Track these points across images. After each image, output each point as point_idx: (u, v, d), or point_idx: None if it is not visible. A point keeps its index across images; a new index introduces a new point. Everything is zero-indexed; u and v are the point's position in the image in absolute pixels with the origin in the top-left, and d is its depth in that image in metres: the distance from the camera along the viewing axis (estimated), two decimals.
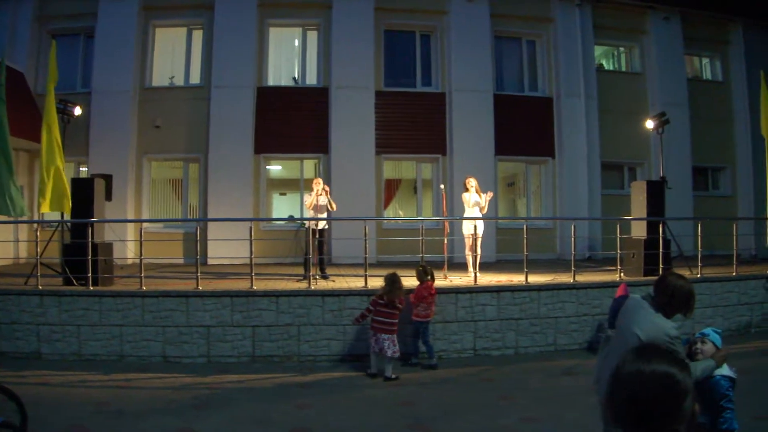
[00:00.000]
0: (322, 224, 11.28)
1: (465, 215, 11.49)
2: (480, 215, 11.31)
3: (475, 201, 11.28)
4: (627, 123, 16.82)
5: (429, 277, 8.93)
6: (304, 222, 11.65)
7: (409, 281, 9.12)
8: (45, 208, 9.76)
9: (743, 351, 9.45)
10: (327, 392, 7.78)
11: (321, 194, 11.21)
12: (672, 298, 3.60)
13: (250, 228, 9.90)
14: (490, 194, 11.39)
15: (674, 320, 3.64)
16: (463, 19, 16.47)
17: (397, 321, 8.39)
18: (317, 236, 10.96)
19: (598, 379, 3.95)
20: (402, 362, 8.89)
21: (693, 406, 1.62)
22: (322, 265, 11.27)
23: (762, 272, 11.55)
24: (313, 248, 10.62)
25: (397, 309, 8.38)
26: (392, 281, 8.42)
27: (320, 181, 11.45)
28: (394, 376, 8.24)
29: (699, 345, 3.95)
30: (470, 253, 11.09)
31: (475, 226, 10.88)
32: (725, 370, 3.91)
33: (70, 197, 9.75)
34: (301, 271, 11.10)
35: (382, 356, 8.30)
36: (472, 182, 11.38)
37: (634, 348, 1.74)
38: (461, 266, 11.70)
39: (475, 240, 10.92)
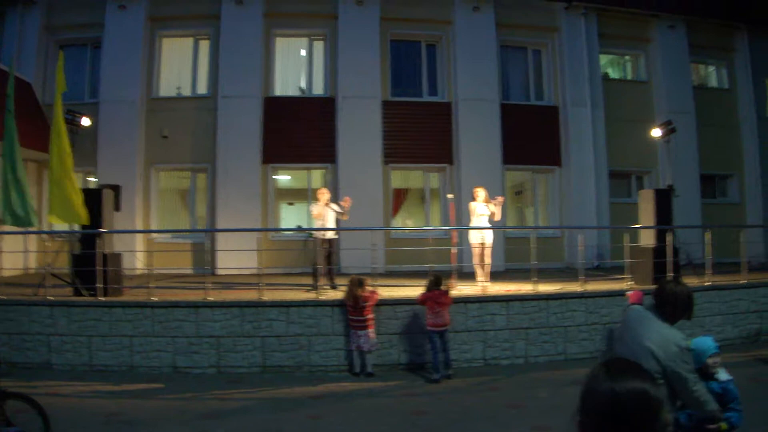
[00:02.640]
0: (330, 234, 11.27)
1: (471, 225, 11.48)
2: (488, 224, 11.29)
3: (481, 211, 11.26)
4: (634, 131, 16.84)
5: (437, 286, 8.94)
6: (312, 232, 11.66)
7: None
8: (54, 220, 9.77)
9: (754, 358, 9.42)
10: (338, 402, 7.75)
11: (329, 204, 11.23)
12: (675, 306, 3.59)
13: (259, 238, 9.89)
14: (500, 199, 11.26)
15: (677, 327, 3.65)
16: (468, 29, 16.53)
17: (369, 317, 8.92)
18: (326, 246, 10.94)
19: None
20: (425, 379, 8.87)
21: (667, 417, 1.64)
22: (330, 275, 11.27)
23: None
24: (322, 258, 10.62)
25: (363, 306, 8.86)
26: (350, 283, 9.09)
27: (326, 191, 11.46)
28: (372, 372, 8.92)
29: (716, 359, 4.04)
30: (478, 262, 11.08)
31: (483, 236, 10.87)
32: (728, 375, 3.98)
33: (83, 208, 9.70)
34: (309, 281, 11.11)
35: (360, 352, 8.92)
36: (480, 192, 11.36)
37: (604, 363, 1.74)
38: (470, 276, 11.68)
39: (483, 249, 10.91)
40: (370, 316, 8.96)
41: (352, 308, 8.94)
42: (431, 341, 8.81)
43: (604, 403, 1.60)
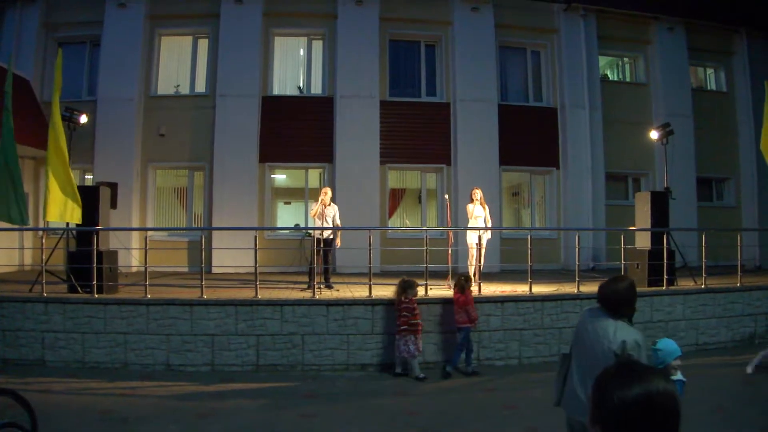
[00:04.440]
0: (327, 233, 11.27)
1: (468, 226, 11.50)
2: (484, 225, 11.32)
3: (478, 213, 11.30)
4: (631, 133, 16.86)
5: (457, 287, 9.10)
6: (309, 231, 11.64)
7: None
8: (50, 217, 9.76)
9: (748, 362, 9.42)
10: (331, 402, 7.76)
11: (329, 205, 11.24)
12: (616, 302, 3.73)
13: (255, 237, 9.89)
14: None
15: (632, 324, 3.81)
16: (467, 30, 16.53)
17: (405, 326, 8.72)
18: (322, 245, 10.94)
19: (564, 396, 3.96)
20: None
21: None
22: (326, 275, 11.25)
23: (766, 283, 11.52)
24: (319, 257, 10.60)
25: (399, 311, 8.80)
26: (398, 284, 8.98)
27: (328, 190, 11.47)
28: (422, 376, 8.69)
29: (679, 362, 4.19)
30: (474, 263, 11.10)
31: (480, 237, 10.88)
32: (682, 377, 4.17)
33: (79, 206, 9.67)
34: (305, 280, 11.08)
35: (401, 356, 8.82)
36: (477, 194, 11.39)
37: (624, 368, 1.64)
38: None
39: (479, 250, 10.92)
40: (405, 327, 8.72)
41: (396, 311, 8.93)
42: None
43: (639, 410, 1.51)
